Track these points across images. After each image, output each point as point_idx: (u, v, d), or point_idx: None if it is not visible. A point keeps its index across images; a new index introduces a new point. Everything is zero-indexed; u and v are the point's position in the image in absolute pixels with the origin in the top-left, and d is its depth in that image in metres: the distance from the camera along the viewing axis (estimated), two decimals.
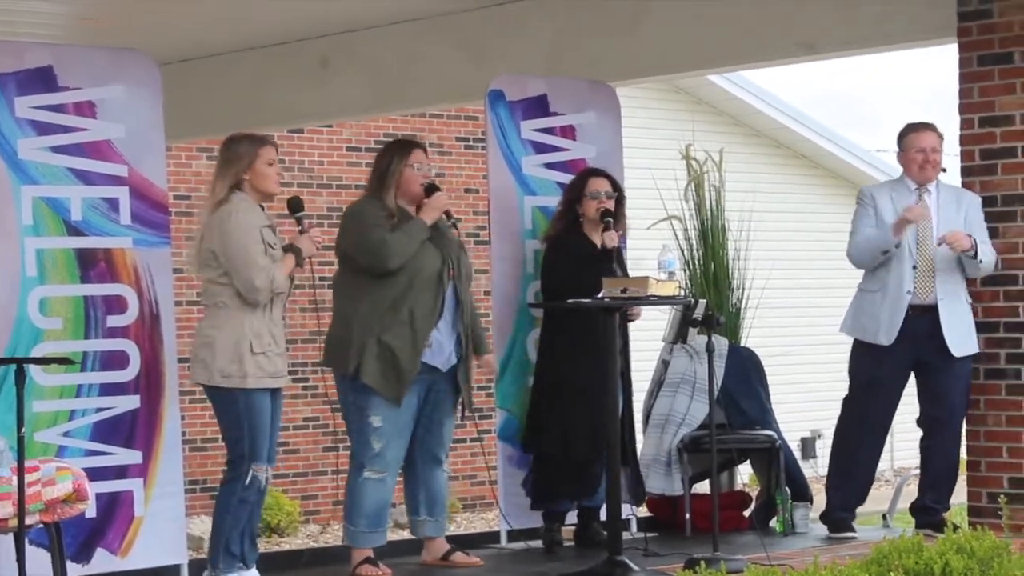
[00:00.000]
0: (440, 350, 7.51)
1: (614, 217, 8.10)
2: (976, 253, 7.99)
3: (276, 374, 6.85)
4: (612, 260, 7.90)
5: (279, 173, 7.01)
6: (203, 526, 11.80)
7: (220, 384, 6.81)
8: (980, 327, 8.15)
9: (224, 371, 6.79)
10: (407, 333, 7.39)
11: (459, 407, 7.68)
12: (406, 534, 8.93)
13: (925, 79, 33.79)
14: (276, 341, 6.84)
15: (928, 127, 8.35)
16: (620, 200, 8.21)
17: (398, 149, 7.66)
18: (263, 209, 6.98)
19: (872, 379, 8.22)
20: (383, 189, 7.54)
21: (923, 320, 8.10)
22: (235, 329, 6.79)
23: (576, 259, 7.96)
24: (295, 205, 7.06)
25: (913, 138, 8.31)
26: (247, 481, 6.80)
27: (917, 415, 8.32)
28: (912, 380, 8.29)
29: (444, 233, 7.62)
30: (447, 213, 7.62)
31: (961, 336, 8.12)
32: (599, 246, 8.02)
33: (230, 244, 6.82)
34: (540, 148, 8.64)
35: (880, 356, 8.16)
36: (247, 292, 6.77)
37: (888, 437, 8.55)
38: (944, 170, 8.32)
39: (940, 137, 8.34)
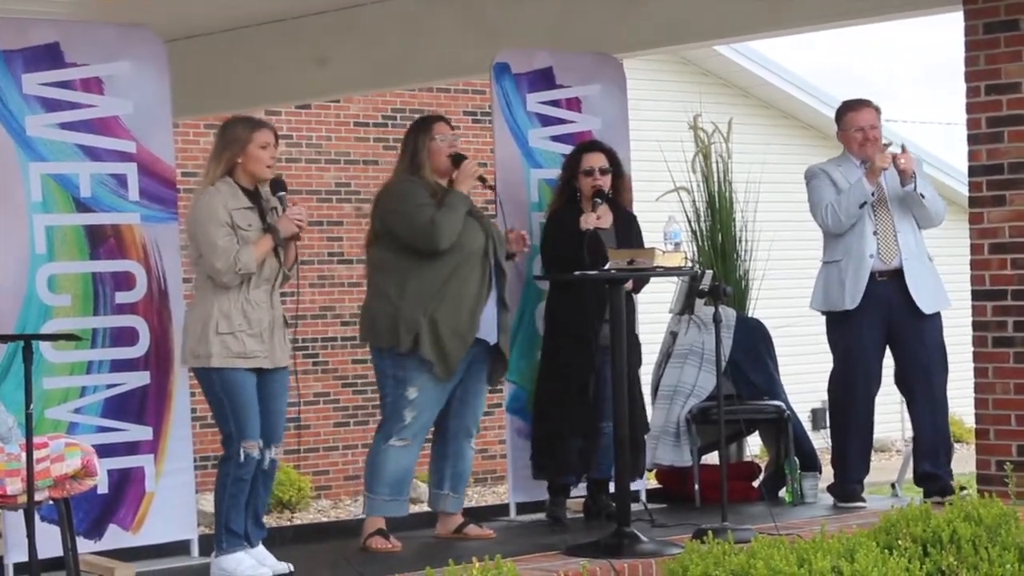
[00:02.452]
0: (489, 324, 7.58)
1: (614, 190, 8.09)
2: (916, 186, 8.15)
3: (246, 354, 6.79)
4: (598, 240, 7.86)
5: (273, 156, 6.98)
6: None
7: (192, 365, 6.86)
8: (988, 295, 8.16)
9: (193, 351, 6.83)
10: (461, 311, 7.48)
11: (494, 376, 7.78)
12: (416, 508, 8.97)
13: (922, 52, 33.71)
14: (250, 322, 6.79)
15: (865, 104, 8.49)
16: (619, 172, 8.20)
17: (421, 125, 7.75)
18: (255, 191, 6.94)
19: (849, 349, 8.31)
20: (418, 168, 7.61)
21: (890, 285, 8.22)
22: (204, 310, 6.81)
23: (573, 236, 7.93)
24: (275, 185, 7.03)
25: (852, 117, 8.45)
26: (240, 459, 6.81)
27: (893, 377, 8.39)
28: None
29: (473, 205, 7.69)
30: (481, 178, 7.70)
31: (929, 293, 8.25)
32: (581, 227, 7.96)
33: (193, 227, 6.87)
34: (546, 120, 8.64)
35: (852, 325, 8.26)
36: (211, 274, 6.79)
37: (900, 406, 8.57)
38: (887, 145, 8.37)
39: (878, 112, 8.45)
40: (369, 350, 7.82)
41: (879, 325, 8.26)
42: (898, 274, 8.23)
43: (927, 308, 8.24)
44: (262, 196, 6.98)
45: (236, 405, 6.80)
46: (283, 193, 7.00)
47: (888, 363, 8.37)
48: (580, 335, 7.90)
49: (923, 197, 8.22)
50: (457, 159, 7.65)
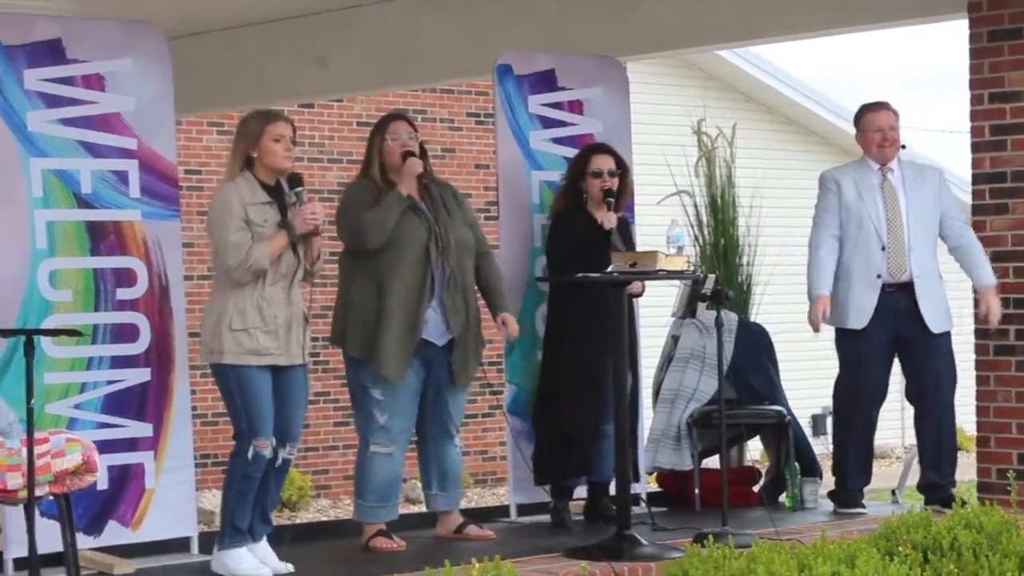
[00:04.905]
0: (434, 325, 7.52)
1: (618, 193, 8.09)
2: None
3: (259, 351, 6.77)
4: (611, 240, 7.86)
5: (288, 148, 6.97)
6: (213, 500, 11.84)
7: (208, 360, 6.86)
8: None
9: (208, 347, 6.83)
10: (399, 311, 7.40)
11: (461, 376, 7.66)
12: (418, 508, 8.97)
13: (910, 58, 33.73)
14: (264, 319, 6.78)
15: (884, 106, 8.37)
16: (624, 175, 8.20)
17: (378, 125, 7.70)
18: (276, 185, 6.94)
19: (856, 360, 8.25)
20: (368, 167, 7.60)
21: (900, 296, 8.14)
22: (220, 306, 6.81)
23: (579, 238, 7.93)
24: (293, 181, 7.02)
25: (870, 118, 8.33)
26: (249, 457, 6.80)
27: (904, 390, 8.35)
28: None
29: (445, 204, 7.62)
30: (420, 176, 7.54)
31: (938, 313, 8.17)
32: (604, 227, 7.98)
33: (209, 223, 6.88)
34: (547, 123, 8.63)
35: (860, 337, 8.19)
36: (224, 270, 6.79)
37: (900, 413, 8.56)
38: (903, 147, 8.33)
39: (896, 115, 8.35)
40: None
41: (888, 336, 8.18)
42: (907, 287, 8.14)
43: (936, 328, 8.14)
44: (283, 191, 6.98)
45: (248, 402, 6.79)
46: (300, 189, 6.98)
47: (895, 370, 8.31)
48: (589, 336, 7.88)
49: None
50: (404, 157, 7.54)
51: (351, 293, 7.50)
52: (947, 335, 8.22)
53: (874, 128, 8.29)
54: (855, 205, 8.19)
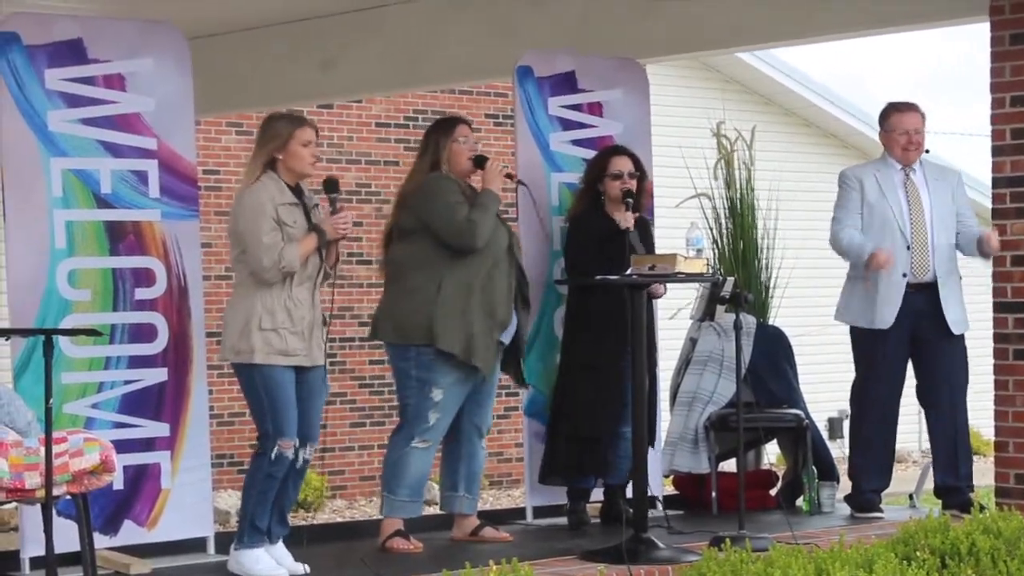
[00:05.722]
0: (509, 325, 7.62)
1: (635, 196, 8.08)
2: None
3: (287, 352, 6.80)
4: (628, 240, 7.85)
5: (315, 154, 6.99)
6: (230, 500, 11.85)
7: (234, 360, 6.86)
8: (1008, 307, 8.12)
9: (235, 347, 6.82)
10: (495, 312, 7.50)
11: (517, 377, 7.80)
12: (431, 510, 8.96)
13: (919, 60, 33.64)
14: (293, 320, 6.80)
15: (911, 107, 8.34)
16: (642, 177, 8.19)
17: (442, 126, 7.76)
18: (298, 187, 6.96)
19: (874, 361, 8.23)
20: (437, 165, 7.62)
21: (920, 297, 8.13)
22: (248, 306, 6.81)
23: (598, 240, 7.93)
24: (330, 186, 7.05)
25: (897, 119, 8.29)
26: (272, 457, 6.81)
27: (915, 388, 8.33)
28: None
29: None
30: (508, 175, 7.73)
31: (959, 315, 8.18)
32: (621, 226, 7.97)
33: (240, 223, 6.87)
34: (567, 125, 8.62)
35: (880, 337, 8.17)
36: (255, 270, 6.79)
37: (917, 417, 8.54)
38: (927, 151, 8.30)
39: (923, 117, 8.32)
40: (386, 350, 7.80)
41: (907, 338, 8.17)
42: (929, 287, 8.13)
43: (957, 329, 8.14)
44: (304, 193, 6.97)
45: (275, 402, 6.80)
46: (336, 195, 7.01)
47: (909, 373, 8.31)
48: (608, 338, 7.88)
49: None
50: (479, 161, 7.67)
51: (441, 291, 7.47)
52: (963, 337, 8.21)
53: (900, 130, 8.25)
54: (878, 204, 8.17)
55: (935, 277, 8.13)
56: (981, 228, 8.21)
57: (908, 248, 8.12)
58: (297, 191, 6.95)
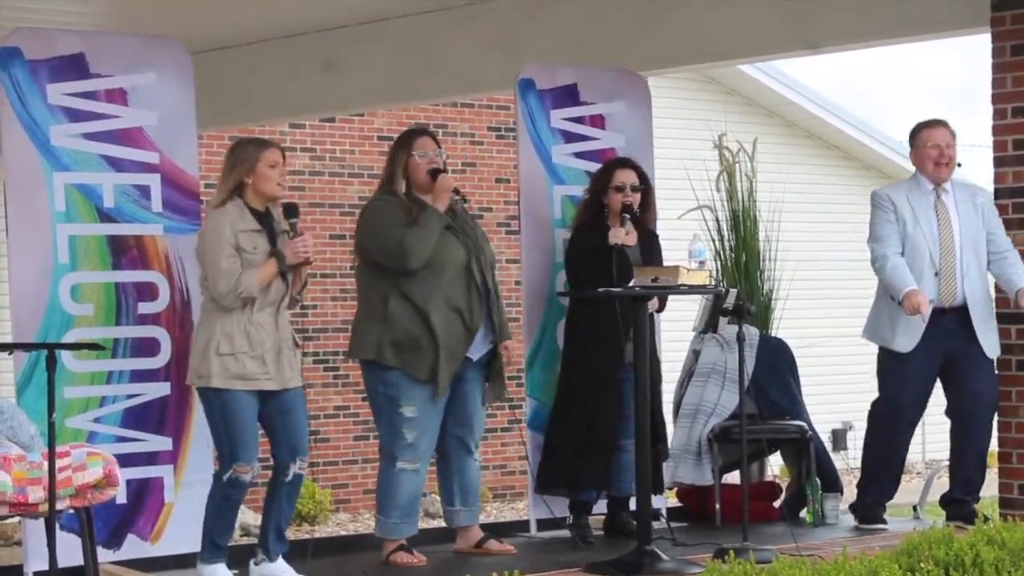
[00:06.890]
0: (476, 342, 7.52)
1: (641, 208, 8.07)
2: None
3: (245, 376, 6.74)
4: (625, 255, 7.84)
5: (282, 175, 6.96)
6: None
7: (196, 384, 6.84)
8: (1012, 318, 8.11)
9: (197, 370, 6.80)
10: (451, 328, 7.41)
11: (490, 394, 7.69)
12: (436, 523, 8.95)
13: (929, 74, 33.62)
14: (252, 344, 6.75)
15: (941, 123, 8.27)
16: (647, 190, 8.19)
17: (402, 140, 7.65)
18: (267, 211, 6.92)
19: (899, 381, 8.16)
20: (393, 183, 7.54)
21: (950, 319, 8.05)
22: (208, 330, 6.78)
23: (596, 252, 7.91)
24: (289, 211, 6.99)
25: (927, 134, 8.22)
26: (225, 479, 6.79)
27: (945, 407, 8.28)
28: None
29: (467, 221, 7.62)
30: (455, 191, 7.57)
31: (992, 338, 8.09)
32: (609, 242, 7.92)
33: (199, 249, 6.85)
34: (569, 137, 8.63)
35: (905, 358, 8.10)
36: (213, 295, 6.77)
37: (919, 428, 8.51)
38: (959, 165, 8.26)
39: (953, 134, 8.25)
40: (359, 366, 7.74)
41: (935, 359, 8.09)
42: (959, 309, 8.03)
43: (991, 352, 8.07)
44: (273, 218, 6.95)
45: (231, 427, 6.77)
46: (295, 220, 6.95)
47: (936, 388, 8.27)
48: (609, 350, 7.87)
49: None
50: (434, 174, 7.53)
51: (389, 309, 7.43)
52: (994, 360, 8.14)
53: (931, 143, 8.17)
54: (911, 228, 8.06)
55: (964, 302, 8.05)
56: (1019, 275, 8.03)
57: (936, 275, 8.05)
58: (265, 216, 6.91)
